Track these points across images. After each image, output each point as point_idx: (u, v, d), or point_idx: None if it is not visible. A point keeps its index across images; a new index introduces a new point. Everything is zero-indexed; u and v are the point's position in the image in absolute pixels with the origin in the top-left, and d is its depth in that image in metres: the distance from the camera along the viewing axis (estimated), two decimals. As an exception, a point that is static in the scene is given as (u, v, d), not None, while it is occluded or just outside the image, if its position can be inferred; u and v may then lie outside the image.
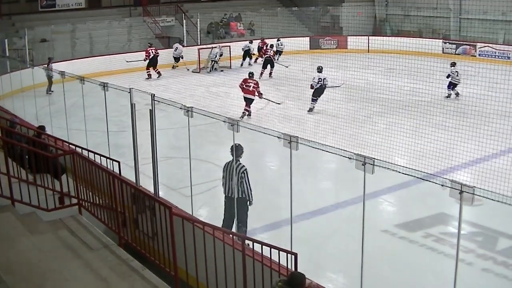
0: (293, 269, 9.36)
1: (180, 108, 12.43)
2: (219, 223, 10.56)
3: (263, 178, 17.63)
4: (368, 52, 40.79)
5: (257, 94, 24.20)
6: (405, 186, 15.22)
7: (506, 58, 37.71)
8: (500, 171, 16.02)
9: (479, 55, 39.50)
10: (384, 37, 42.01)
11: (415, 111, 22.80)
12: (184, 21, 41.76)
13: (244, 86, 24.37)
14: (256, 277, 9.38)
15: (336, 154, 9.61)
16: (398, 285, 11.72)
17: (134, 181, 13.21)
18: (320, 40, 44.56)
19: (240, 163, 12.63)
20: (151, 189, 12.93)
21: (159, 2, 46.14)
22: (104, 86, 15.30)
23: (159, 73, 35.26)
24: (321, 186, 17.61)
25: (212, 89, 31.06)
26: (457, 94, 28.25)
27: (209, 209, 15.39)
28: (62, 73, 18.33)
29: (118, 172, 12.91)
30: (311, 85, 25.61)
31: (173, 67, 37.96)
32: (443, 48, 41.17)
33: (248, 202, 12.69)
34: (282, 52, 38.99)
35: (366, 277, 9.88)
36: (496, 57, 38.01)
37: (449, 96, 28.43)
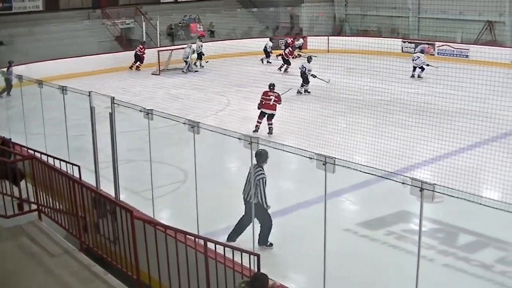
0: (256, 270, 9.36)
1: (140, 110, 12.39)
2: (180, 225, 10.49)
3: (224, 179, 17.62)
4: (328, 52, 40.85)
5: (278, 105, 22.33)
6: (367, 185, 15.27)
7: (464, 56, 38.10)
8: (460, 169, 16.19)
9: (438, 54, 39.88)
10: (344, 37, 42.22)
11: (376, 110, 22.94)
12: (144, 23, 41.56)
13: (264, 100, 22.16)
14: (219, 279, 9.36)
15: (297, 154, 9.63)
16: (361, 283, 11.77)
17: (95, 185, 13.11)
18: (280, 40, 44.57)
19: (260, 170, 12.54)
20: (112, 193, 12.85)
21: (118, 4, 45.86)
22: (63, 89, 15.18)
23: (132, 67, 38.44)
24: (283, 186, 17.62)
25: (172, 91, 30.96)
26: (418, 75, 33.25)
27: (171, 212, 15.36)
28: (19, 77, 18.14)
29: (78, 176, 12.79)
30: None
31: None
32: (402, 47, 41.49)
33: (265, 205, 12.71)
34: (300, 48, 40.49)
35: (329, 276, 9.92)
36: (455, 55, 38.37)
37: (412, 76, 33.17)
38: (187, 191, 14.46)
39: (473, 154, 18.11)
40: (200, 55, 38.32)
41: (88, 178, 13.30)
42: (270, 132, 22.02)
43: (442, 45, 39.99)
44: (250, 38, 41.92)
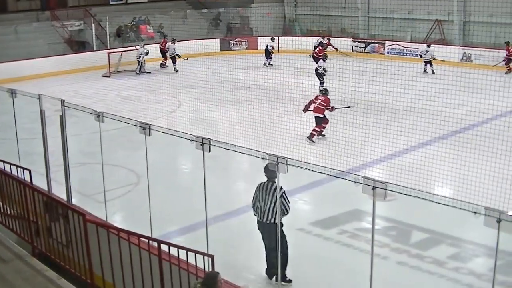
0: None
1: (91, 113, 12.31)
2: (134, 227, 10.42)
3: (177, 181, 17.61)
4: (278, 52, 40.91)
5: (327, 110, 21.27)
6: (319, 184, 15.36)
7: (414, 55, 38.52)
8: (411, 166, 16.41)
9: (388, 53, 40.32)
10: (294, 37, 42.38)
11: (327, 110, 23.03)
12: (93, 25, 41.18)
13: (312, 102, 21.47)
14: (173, 281, 9.34)
15: (249, 154, 9.66)
16: (315, 282, 11.83)
17: (46, 189, 13.00)
18: (230, 41, 44.60)
19: (277, 185, 10.96)
20: (64, 197, 12.75)
21: (67, 6, 45.38)
22: (12, 92, 15.00)
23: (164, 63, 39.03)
24: (235, 187, 17.64)
25: (123, 93, 30.75)
26: (432, 71, 34.09)
27: (124, 214, 15.28)
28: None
29: (29, 180, 12.66)
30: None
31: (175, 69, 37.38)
32: (352, 47, 41.78)
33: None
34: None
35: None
36: (404, 54, 38.79)
37: (424, 71, 34.28)
38: (140, 193, 14.41)
39: (424, 151, 18.37)
40: (174, 59, 37.04)
41: (40, 182, 13.17)
42: (319, 135, 21.25)
43: (392, 44, 40.42)
44: (200, 39, 41.80)
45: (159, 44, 39.54)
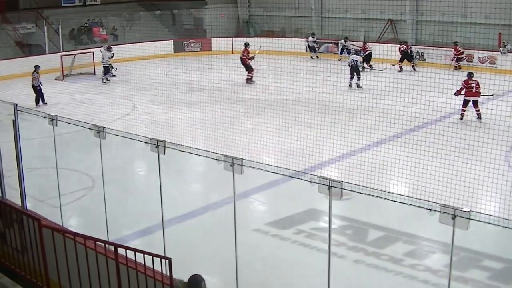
0: (168, 274, 9.33)
1: (45, 117, 12.20)
2: (90, 232, 10.34)
3: (132, 184, 17.50)
4: (232, 53, 40.84)
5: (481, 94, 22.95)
6: (275, 185, 15.40)
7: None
8: (367, 165, 16.48)
9: (342, 52, 40.39)
10: (248, 38, 42.39)
11: (281, 110, 23.09)
12: (45, 27, 40.73)
13: (466, 88, 22.86)
14: (131, 285, 9.29)
15: (204, 156, 9.65)
16: (273, 283, 11.85)
17: (0, 195, 12.84)
18: (184, 43, 44.45)
19: None
20: (18, 202, 12.61)
21: (18, 9, 44.80)
22: (-38, 98, 14.82)
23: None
24: (191, 189, 17.60)
25: (76, 96, 30.43)
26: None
27: (80, 219, 15.14)
28: None
29: (-19, 186, 12.52)
30: (348, 64, 29.97)
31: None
32: (306, 47, 41.87)
33: None
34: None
35: (241, 276, 9.97)
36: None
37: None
38: (96, 197, 14.31)
39: (379, 150, 18.48)
40: (107, 68, 34.49)
41: (-7, 188, 13.02)
42: (479, 118, 22.67)
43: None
44: (153, 41, 41.60)
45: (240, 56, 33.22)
